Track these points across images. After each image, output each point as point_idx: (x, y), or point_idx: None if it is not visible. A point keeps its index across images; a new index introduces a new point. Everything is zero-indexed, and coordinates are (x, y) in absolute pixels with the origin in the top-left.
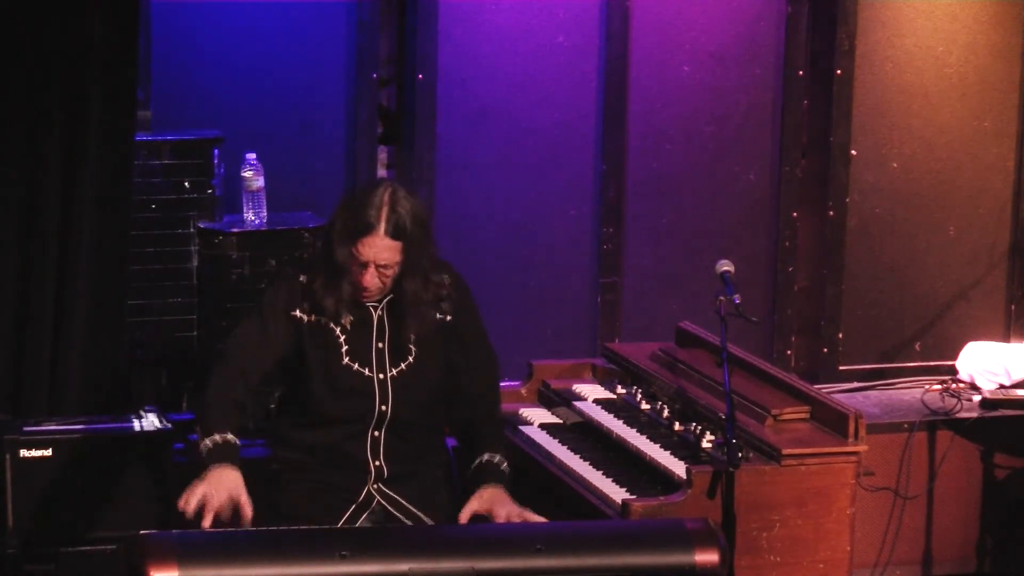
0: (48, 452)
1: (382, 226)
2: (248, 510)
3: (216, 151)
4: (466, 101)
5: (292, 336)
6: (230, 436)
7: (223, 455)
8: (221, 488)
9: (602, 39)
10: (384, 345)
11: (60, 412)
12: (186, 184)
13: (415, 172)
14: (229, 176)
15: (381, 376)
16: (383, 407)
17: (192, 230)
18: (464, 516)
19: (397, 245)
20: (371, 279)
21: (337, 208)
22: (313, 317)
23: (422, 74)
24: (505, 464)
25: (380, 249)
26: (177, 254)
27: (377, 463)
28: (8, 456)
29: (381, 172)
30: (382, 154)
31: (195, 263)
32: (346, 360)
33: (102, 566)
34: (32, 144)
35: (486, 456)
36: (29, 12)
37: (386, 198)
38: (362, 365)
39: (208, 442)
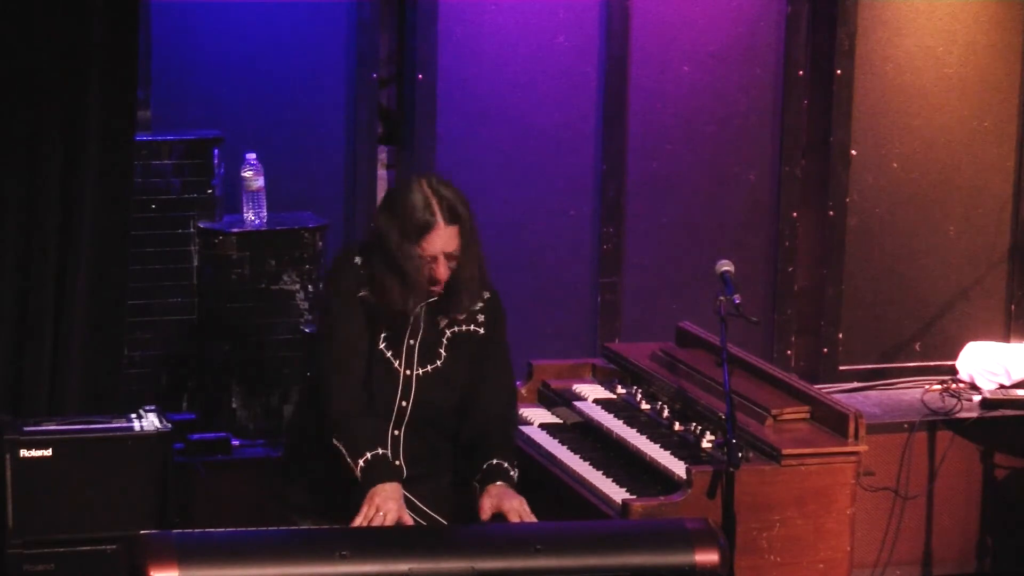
0: (48, 452)
1: (439, 217)
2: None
3: (216, 151)
4: (466, 101)
5: (365, 317)
6: (380, 451)
7: (381, 473)
8: (393, 505)
9: (602, 39)
10: (416, 343)
11: (60, 412)
12: (186, 184)
13: (415, 172)
14: (229, 176)
15: (408, 372)
16: (403, 402)
17: (192, 230)
18: (484, 515)
19: (455, 229)
20: (443, 269)
21: (379, 220)
22: (368, 300)
23: (422, 74)
24: (513, 472)
25: (446, 239)
26: (177, 254)
27: (398, 462)
28: (8, 456)
29: (381, 172)
30: (382, 154)
31: (195, 263)
32: (382, 346)
33: (102, 566)
34: (32, 144)
35: (495, 460)
36: (29, 12)
37: (428, 190)
38: (394, 356)
39: (362, 462)
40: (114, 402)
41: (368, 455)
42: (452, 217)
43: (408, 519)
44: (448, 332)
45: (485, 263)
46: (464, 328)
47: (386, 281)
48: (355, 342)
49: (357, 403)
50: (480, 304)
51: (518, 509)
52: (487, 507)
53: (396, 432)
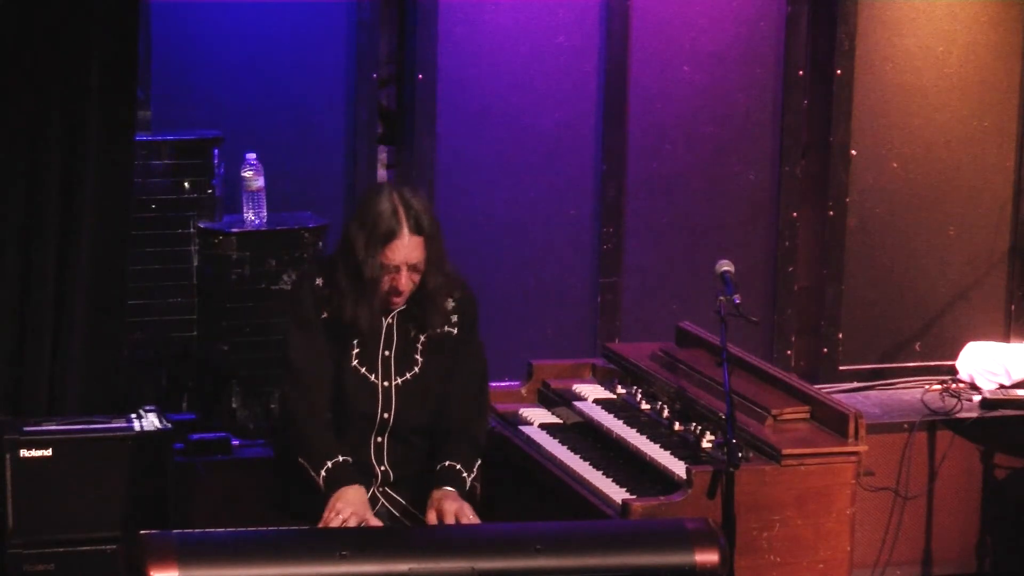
0: (48, 452)
1: (405, 226)
2: (376, 524)
3: (216, 151)
4: (466, 101)
5: (327, 337)
6: (340, 458)
7: (342, 478)
8: (348, 508)
9: (602, 39)
10: (391, 353)
11: (60, 412)
12: (186, 184)
13: (415, 172)
14: (229, 176)
15: (386, 384)
16: (385, 414)
17: (192, 230)
18: (430, 519)
19: (421, 241)
20: (405, 281)
21: (348, 226)
22: (333, 319)
23: (422, 74)
24: (467, 475)
25: (409, 249)
26: (177, 254)
27: (383, 467)
28: (8, 456)
29: (381, 172)
30: (382, 154)
31: (195, 263)
32: (355, 363)
33: (102, 566)
34: (33, 144)
35: (448, 463)
36: (29, 12)
37: (396, 200)
38: (369, 371)
39: (324, 472)
40: (114, 402)
41: (329, 463)
42: (417, 228)
43: (373, 520)
44: (423, 337)
45: (456, 266)
46: (438, 331)
47: (344, 292)
48: (313, 365)
49: (316, 422)
50: (452, 304)
51: (455, 512)
52: (430, 514)
53: (379, 439)
